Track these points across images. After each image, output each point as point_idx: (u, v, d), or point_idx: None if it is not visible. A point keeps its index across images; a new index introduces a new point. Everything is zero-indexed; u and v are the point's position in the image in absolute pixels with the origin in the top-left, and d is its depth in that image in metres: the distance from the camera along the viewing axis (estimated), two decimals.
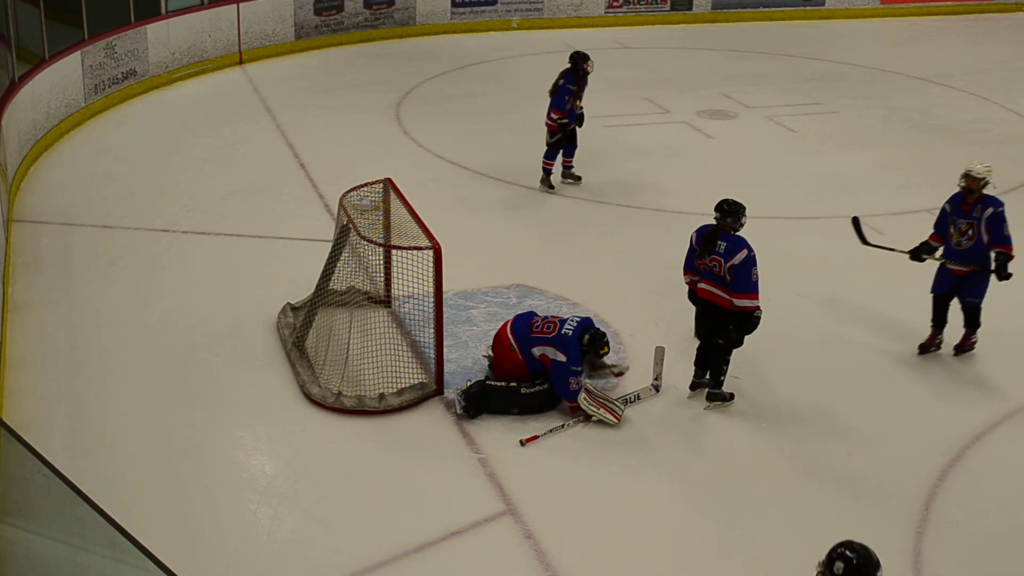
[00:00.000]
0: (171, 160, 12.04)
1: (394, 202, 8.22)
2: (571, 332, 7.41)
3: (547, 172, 11.44)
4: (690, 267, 7.61)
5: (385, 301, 8.29)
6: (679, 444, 7.35)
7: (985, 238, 7.95)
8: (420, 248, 7.55)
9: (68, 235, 10.11)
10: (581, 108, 11.27)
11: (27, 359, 7.98)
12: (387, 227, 8.31)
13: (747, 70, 16.40)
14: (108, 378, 7.85)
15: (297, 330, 8.17)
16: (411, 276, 7.70)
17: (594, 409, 7.36)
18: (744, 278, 7.26)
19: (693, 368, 7.79)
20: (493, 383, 7.48)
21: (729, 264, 7.26)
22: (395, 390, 7.57)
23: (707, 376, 7.71)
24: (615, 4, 18.93)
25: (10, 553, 4.55)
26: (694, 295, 7.65)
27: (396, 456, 7.12)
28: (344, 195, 8.20)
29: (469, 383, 7.50)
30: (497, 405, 7.44)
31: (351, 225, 7.83)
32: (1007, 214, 7.97)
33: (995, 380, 8.12)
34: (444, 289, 7.59)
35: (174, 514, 6.43)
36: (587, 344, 7.42)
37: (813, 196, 11.55)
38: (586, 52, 11.26)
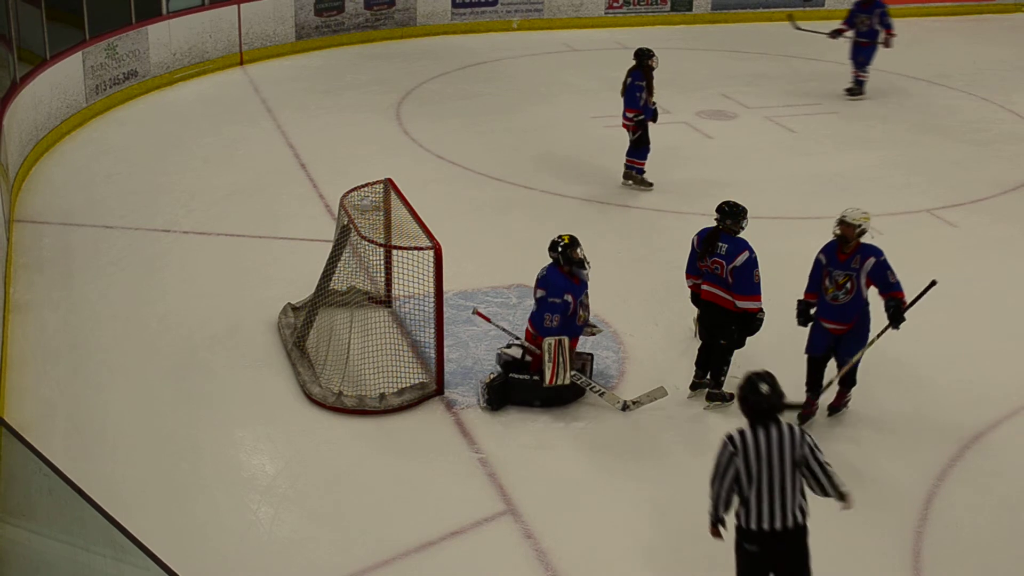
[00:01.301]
0: (172, 160, 12.04)
1: (394, 202, 8.22)
2: (546, 271, 7.48)
3: (639, 171, 11.43)
4: (692, 270, 7.61)
5: (386, 301, 8.29)
6: (679, 444, 7.36)
7: (865, 292, 7.22)
8: (420, 248, 7.56)
9: (69, 235, 10.12)
10: (654, 103, 11.26)
11: (28, 359, 8.00)
12: (387, 227, 8.32)
13: (747, 70, 16.39)
14: (108, 378, 7.85)
15: (298, 330, 8.17)
16: (411, 276, 7.71)
17: (548, 357, 7.32)
18: (746, 280, 7.28)
19: (694, 368, 7.80)
20: (516, 376, 7.50)
21: (731, 266, 7.28)
22: (396, 390, 7.58)
23: (707, 376, 7.72)
24: (615, 4, 18.93)
25: (11, 553, 4.56)
26: (696, 297, 7.66)
27: (396, 456, 7.13)
28: (344, 195, 8.21)
29: (492, 376, 7.52)
30: (520, 397, 7.49)
31: (352, 225, 7.83)
32: (888, 260, 7.21)
33: (997, 380, 8.12)
34: (444, 289, 7.60)
35: (174, 514, 6.44)
36: (560, 261, 7.43)
37: (813, 196, 11.53)
38: (649, 48, 11.21)
